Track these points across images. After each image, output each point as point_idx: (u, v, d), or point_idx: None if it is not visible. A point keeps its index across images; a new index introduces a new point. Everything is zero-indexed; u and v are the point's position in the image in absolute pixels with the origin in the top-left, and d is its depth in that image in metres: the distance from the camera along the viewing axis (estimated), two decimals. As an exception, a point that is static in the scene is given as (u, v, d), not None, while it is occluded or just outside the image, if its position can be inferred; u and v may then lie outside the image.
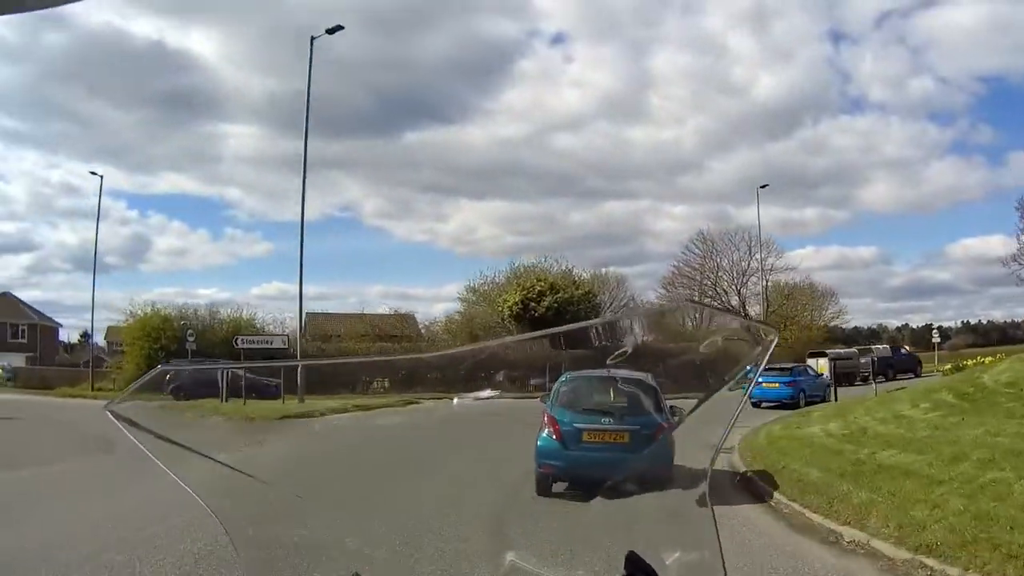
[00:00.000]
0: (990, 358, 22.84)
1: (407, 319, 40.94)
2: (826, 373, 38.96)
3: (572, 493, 8.30)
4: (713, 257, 51.01)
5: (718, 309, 47.94)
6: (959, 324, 78.71)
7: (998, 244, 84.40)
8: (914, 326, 71.28)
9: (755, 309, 48.15)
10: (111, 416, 1.58)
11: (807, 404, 22.11)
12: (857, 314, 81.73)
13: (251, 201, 68.10)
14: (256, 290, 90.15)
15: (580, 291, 38.26)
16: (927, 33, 66.53)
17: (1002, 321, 79.36)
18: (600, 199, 67.57)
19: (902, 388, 20.67)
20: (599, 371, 11.77)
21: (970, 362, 23.03)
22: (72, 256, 60.88)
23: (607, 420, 8.77)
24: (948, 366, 26.36)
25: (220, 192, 66.55)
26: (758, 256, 47.93)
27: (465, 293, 42.29)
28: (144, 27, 63.64)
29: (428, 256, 68.26)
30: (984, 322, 79.45)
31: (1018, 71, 71.16)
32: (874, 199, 69.58)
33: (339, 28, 26.95)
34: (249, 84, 56.08)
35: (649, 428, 8.17)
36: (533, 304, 36.33)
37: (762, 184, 44.43)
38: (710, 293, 50.67)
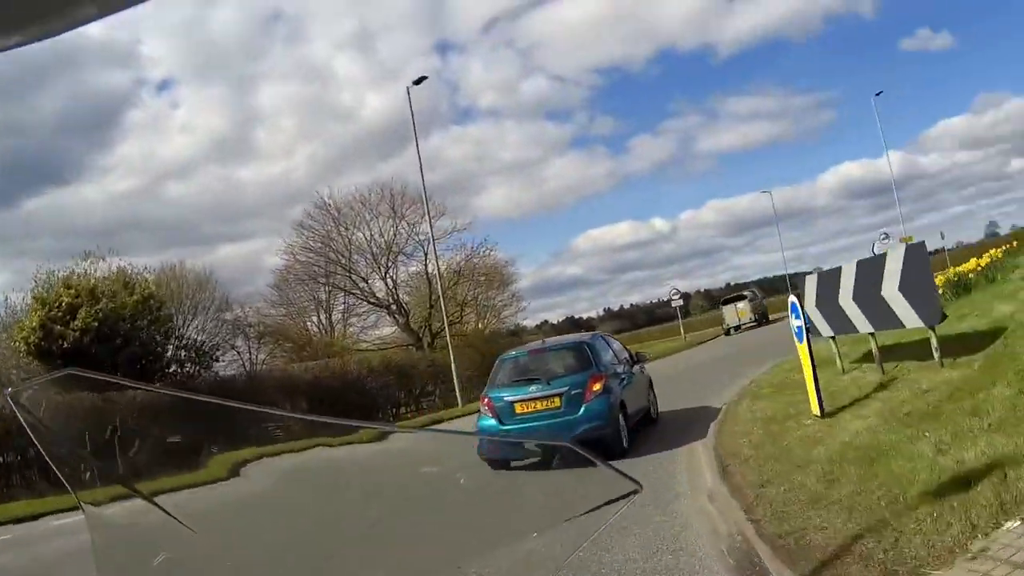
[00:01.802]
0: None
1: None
2: (747, 317, 37.04)
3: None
4: (341, 232, 35.42)
5: (372, 304, 35.82)
6: (602, 312, 78.36)
7: (626, 231, 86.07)
8: (553, 322, 68.62)
9: (408, 297, 35.93)
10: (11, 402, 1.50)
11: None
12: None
13: None
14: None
15: (135, 297, 24.21)
16: (537, 33, 66.64)
17: (648, 303, 78.41)
18: (216, 244, 62.65)
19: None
20: (533, 344, 11.41)
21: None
22: None
23: (535, 388, 8.65)
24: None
25: None
26: (411, 215, 34.74)
27: None
28: None
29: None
30: (626, 307, 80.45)
31: (635, 58, 74.85)
32: (493, 205, 68.89)
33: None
34: None
35: (579, 387, 8.32)
36: (59, 328, 21.95)
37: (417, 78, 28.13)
38: (343, 284, 35.59)
